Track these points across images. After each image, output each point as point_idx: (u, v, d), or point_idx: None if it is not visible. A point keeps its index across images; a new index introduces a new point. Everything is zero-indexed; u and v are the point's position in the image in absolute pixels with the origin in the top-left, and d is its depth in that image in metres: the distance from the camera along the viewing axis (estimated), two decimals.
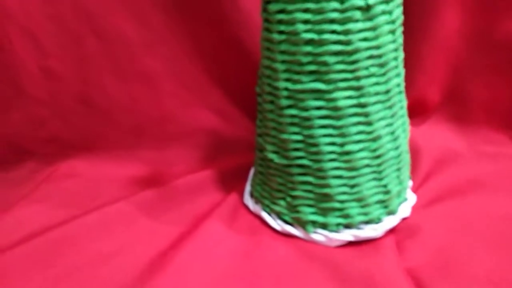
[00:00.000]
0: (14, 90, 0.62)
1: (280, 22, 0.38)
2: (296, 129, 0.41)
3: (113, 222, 0.49)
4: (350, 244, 0.43)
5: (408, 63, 0.55)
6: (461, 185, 0.51)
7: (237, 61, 0.60)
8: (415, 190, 0.50)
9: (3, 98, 0.62)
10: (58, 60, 0.61)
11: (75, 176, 0.61)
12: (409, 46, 0.53)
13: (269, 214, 0.47)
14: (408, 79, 0.56)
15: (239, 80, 0.61)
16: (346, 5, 0.36)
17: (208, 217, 0.48)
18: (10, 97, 0.62)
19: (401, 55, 0.41)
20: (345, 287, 0.38)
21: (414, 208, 0.47)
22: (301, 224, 0.44)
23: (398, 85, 0.41)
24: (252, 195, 0.51)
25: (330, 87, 0.38)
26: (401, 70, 0.42)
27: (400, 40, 0.41)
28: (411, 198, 0.47)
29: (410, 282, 0.38)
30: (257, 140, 0.47)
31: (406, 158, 0.45)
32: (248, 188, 0.52)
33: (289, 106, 0.41)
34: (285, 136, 0.42)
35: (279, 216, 0.46)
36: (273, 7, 0.38)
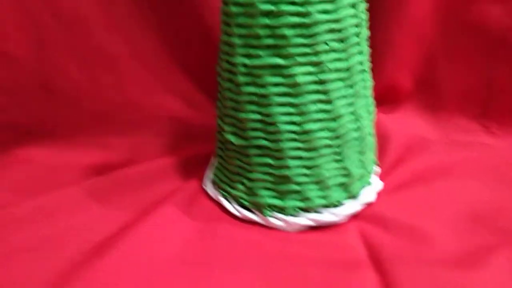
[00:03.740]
0: None
1: None
2: (254, 108, 0.39)
3: (60, 207, 0.46)
4: (311, 229, 0.41)
5: (378, 50, 0.54)
6: (429, 172, 0.49)
7: (201, 44, 0.58)
8: (383, 176, 0.48)
9: None
10: (16, 43, 0.58)
11: (31, 163, 0.58)
12: (380, 32, 0.52)
13: (227, 199, 0.45)
14: (379, 65, 0.55)
15: (204, 65, 0.59)
16: None
17: (164, 203, 0.45)
18: None
19: (364, 32, 0.39)
20: (303, 273, 0.36)
21: (380, 194, 0.45)
22: (259, 208, 0.42)
23: (361, 63, 0.39)
24: (212, 181, 0.48)
25: (289, 62, 0.36)
26: (365, 48, 0.40)
27: (363, 16, 0.39)
28: (376, 183, 0.45)
29: (371, 266, 0.37)
30: (217, 122, 0.45)
31: (371, 141, 0.43)
32: (208, 173, 0.50)
33: (247, 83, 0.39)
34: (243, 115, 0.40)
35: (237, 200, 0.44)
36: None
